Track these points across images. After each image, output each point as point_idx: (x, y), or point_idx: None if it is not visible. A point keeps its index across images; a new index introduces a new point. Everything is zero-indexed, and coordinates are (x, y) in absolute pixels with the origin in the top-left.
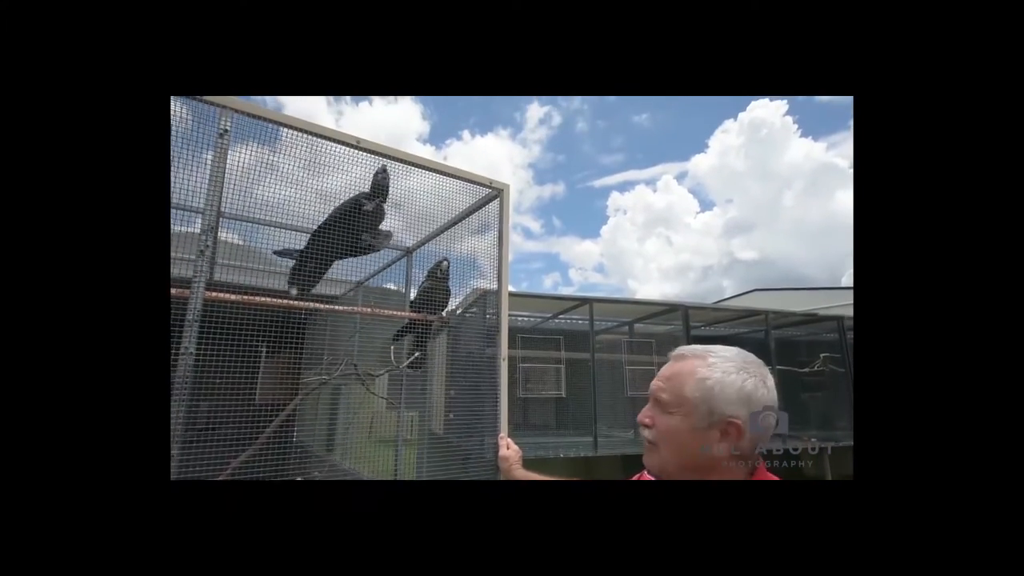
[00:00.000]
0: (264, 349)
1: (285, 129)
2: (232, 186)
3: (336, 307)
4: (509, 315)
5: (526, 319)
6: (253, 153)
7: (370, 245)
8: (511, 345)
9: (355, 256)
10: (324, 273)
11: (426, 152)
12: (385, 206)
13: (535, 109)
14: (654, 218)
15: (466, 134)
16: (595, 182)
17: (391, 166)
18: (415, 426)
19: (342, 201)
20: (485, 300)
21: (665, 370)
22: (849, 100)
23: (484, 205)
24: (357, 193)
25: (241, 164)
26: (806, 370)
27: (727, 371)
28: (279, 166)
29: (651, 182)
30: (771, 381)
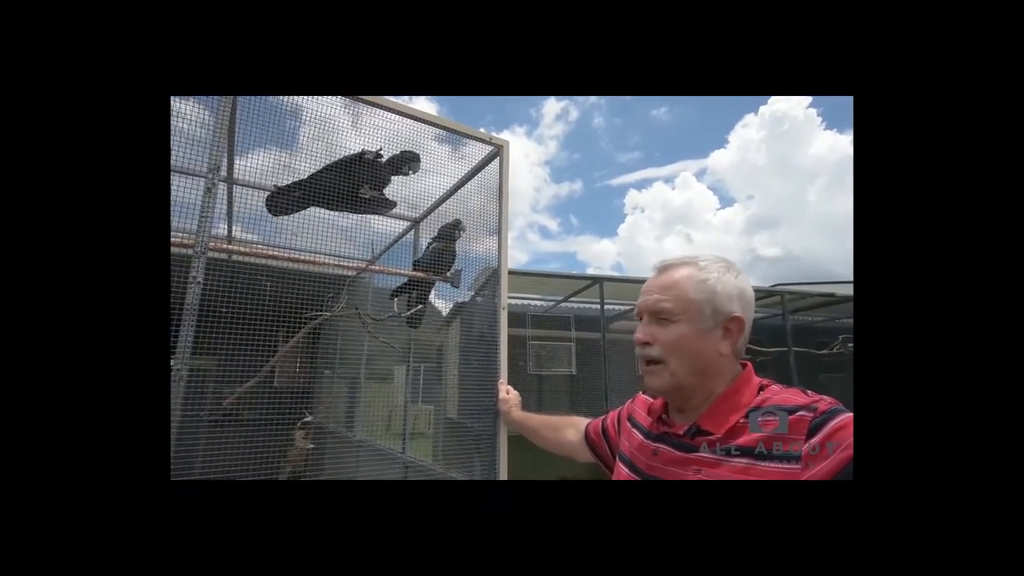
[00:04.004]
0: (282, 334)
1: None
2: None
3: (345, 263)
4: (520, 299)
5: (538, 303)
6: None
7: (370, 199)
8: (521, 326)
9: (354, 212)
10: (305, 205)
11: (443, 151)
12: (387, 168)
13: (552, 105)
14: (673, 216)
15: (481, 132)
16: (613, 180)
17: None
18: (431, 419)
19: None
20: (496, 282)
21: (658, 282)
22: None
23: (486, 165)
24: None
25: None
26: (823, 352)
27: (720, 271)
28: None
29: (669, 179)
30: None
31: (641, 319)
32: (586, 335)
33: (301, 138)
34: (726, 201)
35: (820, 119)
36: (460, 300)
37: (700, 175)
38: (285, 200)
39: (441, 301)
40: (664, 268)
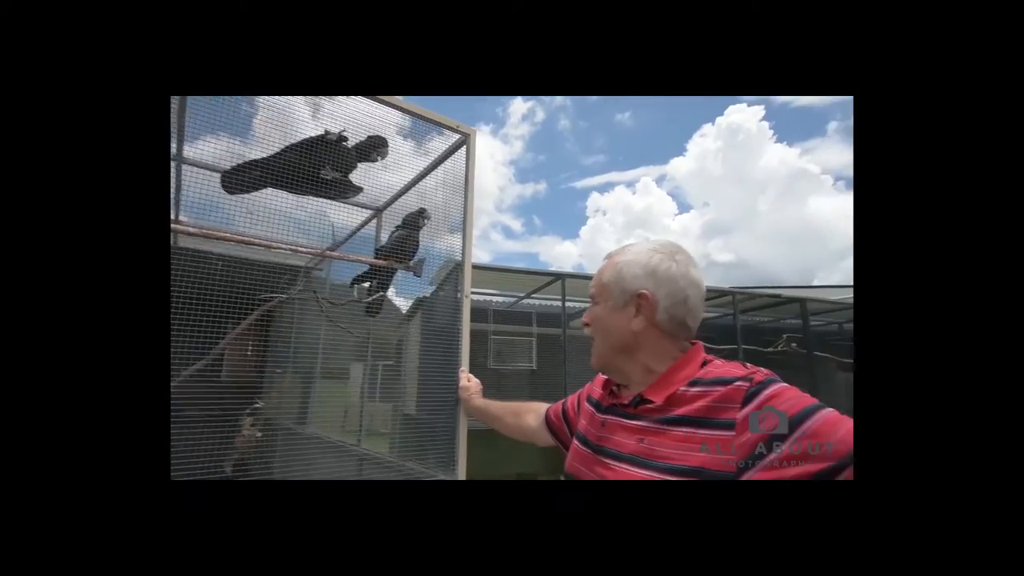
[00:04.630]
0: (230, 325)
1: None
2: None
3: (300, 249)
4: (482, 294)
5: (500, 299)
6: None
7: (332, 181)
8: (483, 321)
9: (316, 195)
10: (262, 185)
11: (407, 148)
12: (350, 146)
13: (518, 104)
14: (633, 220)
15: (447, 131)
16: (576, 183)
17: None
18: (388, 418)
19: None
20: (457, 276)
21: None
22: (824, 106)
23: (452, 153)
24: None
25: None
26: (770, 350)
27: (637, 253)
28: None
29: (631, 184)
30: (683, 257)
31: None
32: (547, 331)
33: (256, 124)
34: (684, 207)
35: (772, 132)
36: (421, 295)
37: (660, 181)
38: (242, 179)
39: (400, 298)
40: (605, 257)
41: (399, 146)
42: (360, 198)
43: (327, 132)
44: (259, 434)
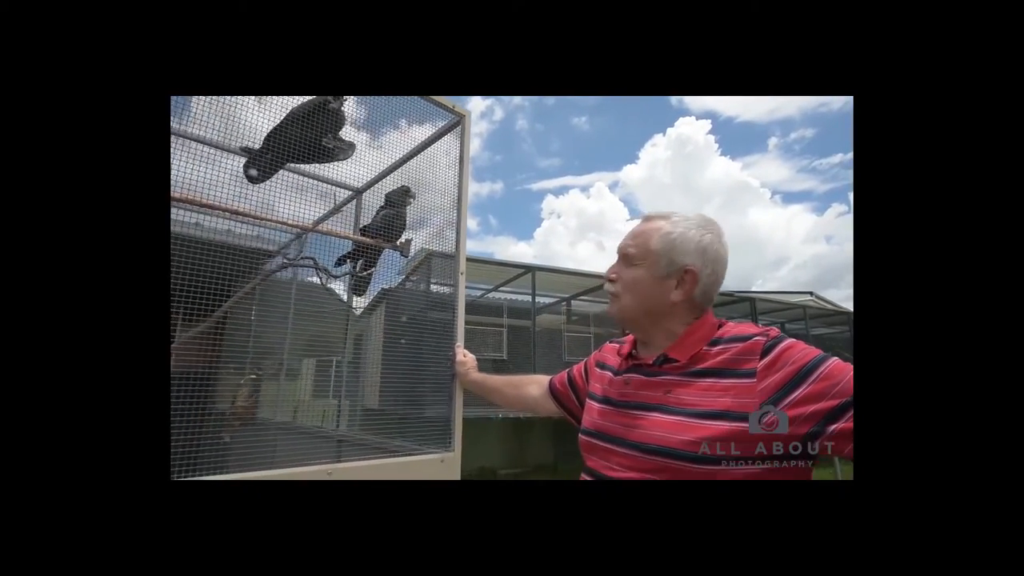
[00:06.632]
0: (180, 315)
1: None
2: None
3: (282, 221)
4: (450, 285)
5: (470, 291)
6: None
7: (333, 148)
8: None
9: (317, 162)
10: (282, 164)
11: (360, 139)
12: (345, 110)
13: (477, 103)
14: (586, 223)
15: (403, 123)
16: (532, 185)
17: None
18: (343, 414)
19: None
20: (430, 266)
21: (634, 229)
22: (764, 123)
23: (445, 134)
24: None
25: None
26: None
27: (688, 227)
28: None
29: (585, 188)
30: (726, 240)
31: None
32: (517, 322)
33: (193, 107)
34: (635, 213)
35: (717, 145)
36: (385, 286)
37: (613, 187)
38: (261, 164)
39: (359, 299)
40: (644, 219)
41: (354, 136)
42: (341, 178)
43: (328, 100)
44: (257, 403)
